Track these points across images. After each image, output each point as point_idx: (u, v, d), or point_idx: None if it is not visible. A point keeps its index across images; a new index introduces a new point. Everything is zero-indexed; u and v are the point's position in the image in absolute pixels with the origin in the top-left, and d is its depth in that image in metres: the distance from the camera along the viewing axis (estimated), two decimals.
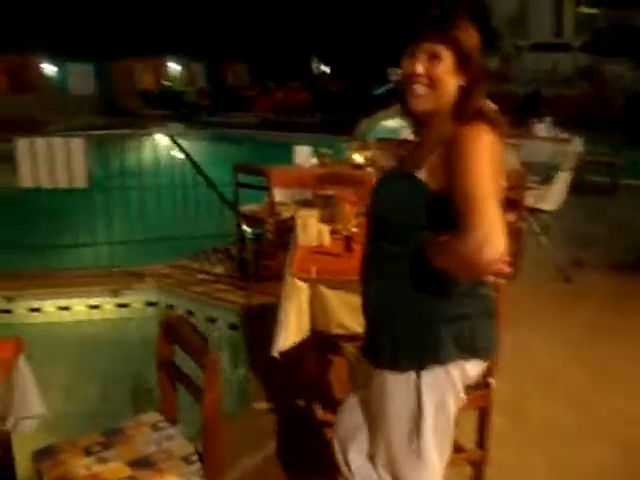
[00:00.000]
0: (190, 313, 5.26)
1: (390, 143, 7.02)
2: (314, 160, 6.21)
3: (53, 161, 5.16)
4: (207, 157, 13.99)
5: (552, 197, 5.71)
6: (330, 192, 5.45)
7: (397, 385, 1.89)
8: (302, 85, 26.54)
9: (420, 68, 1.82)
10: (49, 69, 23.23)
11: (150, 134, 19.31)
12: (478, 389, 2.59)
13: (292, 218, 5.32)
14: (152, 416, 2.45)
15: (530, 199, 5.74)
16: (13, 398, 2.28)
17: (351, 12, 28.86)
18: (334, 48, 30.86)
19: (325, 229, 3.59)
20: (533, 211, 5.78)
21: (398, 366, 1.87)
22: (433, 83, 1.83)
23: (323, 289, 3.10)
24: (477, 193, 1.63)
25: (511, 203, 5.66)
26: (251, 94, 25.33)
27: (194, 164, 5.12)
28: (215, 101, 25.40)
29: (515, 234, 5.62)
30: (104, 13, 26.24)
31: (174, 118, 22.89)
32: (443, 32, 1.80)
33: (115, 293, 5.39)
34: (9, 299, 5.32)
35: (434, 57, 1.81)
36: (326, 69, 34.18)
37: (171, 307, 5.36)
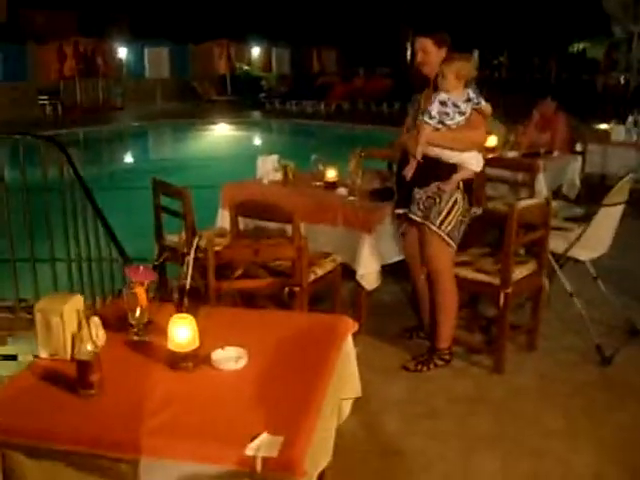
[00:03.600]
0: None
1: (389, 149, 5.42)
2: (277, 174, 4.75)
3: None
4: (271, 148, 12.66)
5: (592, 240, 3.98)
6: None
7: None
8: (389, 72, 24.70)
9: None
10: (125, 53, 22.68)
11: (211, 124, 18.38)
12: None
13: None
14: None
15: (560, 243, 4.04)
16: None
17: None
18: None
19: None
20: (562, 259, 4.07)
21: None
22: None
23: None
24: None
25: (531, 249, 4.03)
26: (331, 81, 23.78)
27: (78, 177, 3.77)
28: (295, 88, 24.05)
29: (534, 292, 3.98)
30: None
31: (245, 105, 21.75)
32: None
33: None
34: None
35: None
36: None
37: None
